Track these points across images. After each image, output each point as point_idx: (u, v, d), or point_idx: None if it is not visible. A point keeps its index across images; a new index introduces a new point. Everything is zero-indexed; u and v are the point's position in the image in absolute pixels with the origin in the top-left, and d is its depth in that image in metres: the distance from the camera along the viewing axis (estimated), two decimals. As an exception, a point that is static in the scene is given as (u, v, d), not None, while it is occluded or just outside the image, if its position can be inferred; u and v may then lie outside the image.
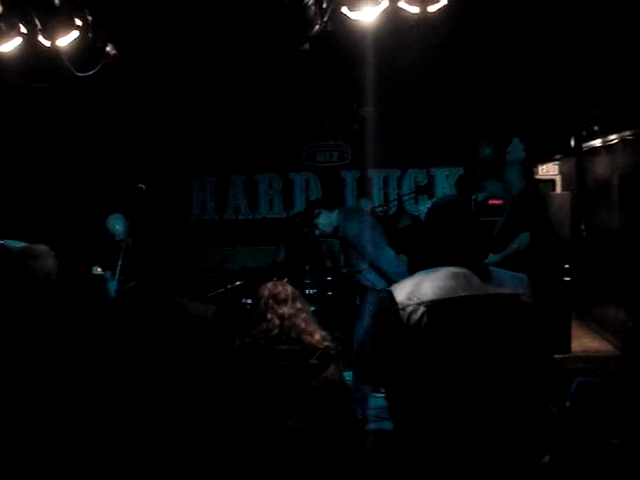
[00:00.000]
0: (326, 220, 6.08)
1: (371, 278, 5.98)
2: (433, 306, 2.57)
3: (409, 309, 2.57)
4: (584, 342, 7.87)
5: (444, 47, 6.17)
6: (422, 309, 2.56)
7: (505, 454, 2.59)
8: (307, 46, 5.40)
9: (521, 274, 2.85)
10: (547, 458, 3.17)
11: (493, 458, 2.58)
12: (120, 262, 5.77)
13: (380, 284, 5.87)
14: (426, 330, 2.56)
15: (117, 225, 6.71)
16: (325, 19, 5.05)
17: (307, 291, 6.76)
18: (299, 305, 3.23)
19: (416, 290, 2.61)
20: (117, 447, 3.27)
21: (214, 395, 3.18)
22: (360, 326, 5.91)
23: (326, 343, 3.14)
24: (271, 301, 3.20)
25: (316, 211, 6.16)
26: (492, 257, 6.01)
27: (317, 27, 5.11)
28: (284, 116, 8.50)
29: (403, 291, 2.63)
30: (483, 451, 2.57)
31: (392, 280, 5.72)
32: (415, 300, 2.58)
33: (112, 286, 5.92)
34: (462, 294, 2.61)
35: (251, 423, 3.01)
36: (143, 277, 3.56)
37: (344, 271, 6.57)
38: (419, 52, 6.09)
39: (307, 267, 7.17)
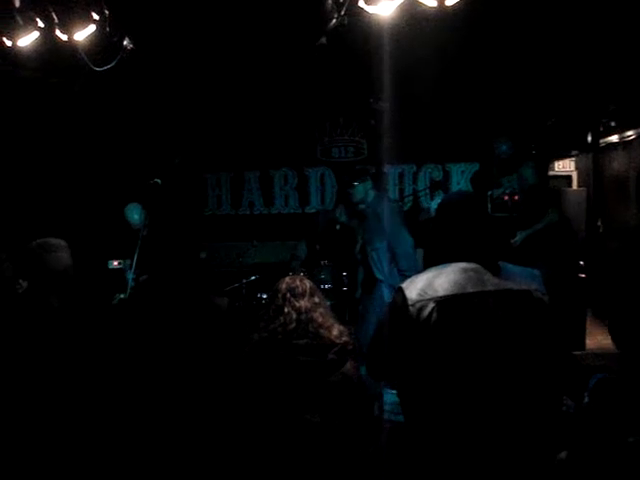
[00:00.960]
0: (361, 189, 6.20)
1: (383, 260, 6.03)
2: (443, 302, 2.56)
3: (418, 305, 2.56)
4: (599, 339, 7.82)
5: (461, 41, 6.14)
6: (432, 305, 2.56)
7: (516, 450, 2.58)
8: (324, 40, 5.40)
9: (533, 269, 2.83)
10: (564, 454, 3.15)
11: (504, 455, 2.57)
12: (137, 254, 5.79)
13: (387, 270, 5.97)
14: (435, 326, 2.55)
15: (135, 214, 6.76)
16: (342, 13, 5.04)
17: (323, 286, 6.77)
18: (317, 299, 3.23)
19: (426, 286, 2.60)
20: (128, 441, 3.29)
21: (230, 387, 3.18)
22: (365, 321, 6.00)
23: (344, 338, 3.13)
24: (288, 294, 3.20)
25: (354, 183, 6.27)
26: (521, 233, 6.17)
27: (334, 21, 5.10)
28: (300, 111, 8.50)
29: (413, 287, 2.62)
30: (493, 447, 2.56)
31: (402, 268, 5.89)
32: (425, 296, 2.57)
33: (130, 277, 5.95)
34: (472, 290, 2.59)
35: (268, 417, 3.01)
36: (158, 270, 3.59)
37: (358, 257, 6.55)
38: (436, 46, 6.06)
39: (323, 262, 7.18)
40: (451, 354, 2.56)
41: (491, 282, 2.63)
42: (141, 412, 3.34)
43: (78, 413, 3.36)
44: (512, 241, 6.35)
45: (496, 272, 2.67)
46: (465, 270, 2.64)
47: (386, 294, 5.91)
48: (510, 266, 2.80)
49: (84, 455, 3.33)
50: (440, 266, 2.69)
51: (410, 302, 2.57)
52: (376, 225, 6.11)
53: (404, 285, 2.67)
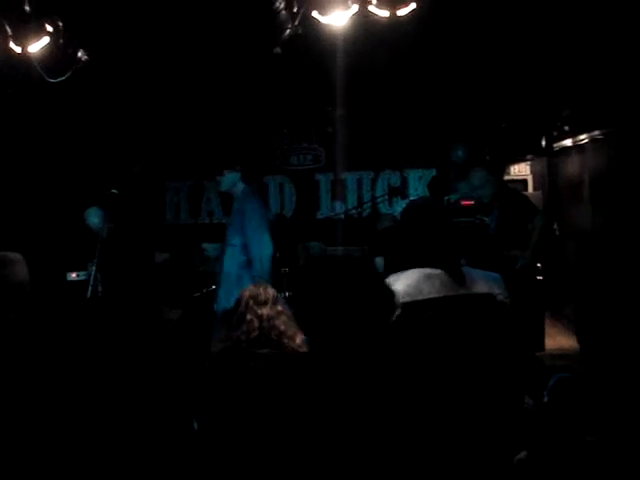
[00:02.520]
0: (230, 178, 5.87)
1: (235, 258, 5.64)
2: (407, 307, 2.59)
3: (406, 305, 2.59)
4: (558, 340, 7.93)
5: (415, 49, 6.20)
6: (397, 311, 2.58)
7: (480, 450, 2.62)
8: (279, 50, 5.40)
9: (495, 273, 2.88)
10: (524, 454, 3.20)
11: (469, 454, 2.60)
12: (96, 262, 5.74)
13: (235, 271, 5.56)
14: (401, 331, 2.58)
15: (95, 218, 6.69)
16: (296, 23, 5.06)
17: (283, 294, 6.74)
18: (280, 307, 3.24)
19: (409, 289, 2.63)
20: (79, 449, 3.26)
21: (190, 400, 3.17)
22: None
23: (306, 348, 3.15)
24: (251, 302, 3.20)
25: None
26: (521, 260, 6.12)
27: (288, 31, 5.12)
28: (257, 120, 8.49)
29: (401, 285, 2.64)
30: (459, 448, 2.60)
31: (255, 272, 5.39)
32: (407, 298, 2.60)
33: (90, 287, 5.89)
34: (436, 295, 2.63)
35: (234, 427, 3.01)
36: (117, 282, 3.57)
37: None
38: (390, 55, 6.11)
39: (284, 270, 7.16)
40: (414, 357, 2.58)
41: (455, 287, 2.67)
42: (89, 426, 3.31)
43: (30, 428, 3.33)
44: (517, 267, 6.23)
45: (460, 277, 2.71)
46: (429, 276, 2.67)
47: (222, 297, 5.51)
48: (473, 270, 2.84)
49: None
50: (404, 272, 2.72)
51: (396, 299, 2.60)
52: (237, 221, 5.74)
53: (388, 280, 2.69)
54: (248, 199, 5.79)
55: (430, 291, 2.63)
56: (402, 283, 2.66)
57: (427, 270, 2.69)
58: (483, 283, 2.75)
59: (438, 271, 2.69)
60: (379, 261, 7.19)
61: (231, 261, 5.65)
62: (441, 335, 2.61)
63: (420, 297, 2.61)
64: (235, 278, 5.53)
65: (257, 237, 5.58)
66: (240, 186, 5.85)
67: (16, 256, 3.65)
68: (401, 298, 2.61)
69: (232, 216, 5.89)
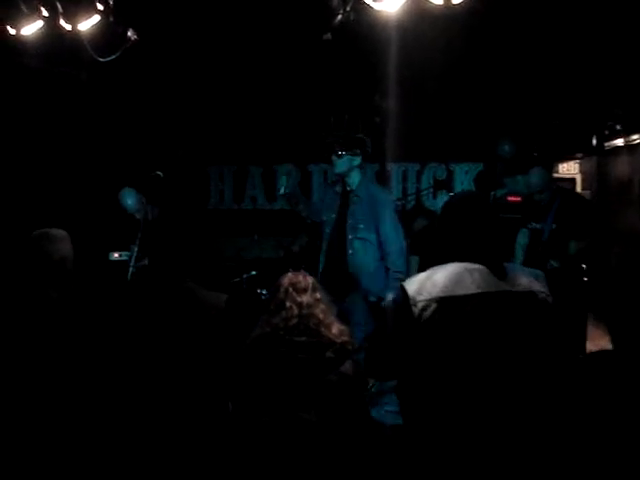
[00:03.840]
0: (346, 160, 5.77)
1: (369, 253, 5.57)
2: (445, 302, 2.54)
3: (421, 305, 2.53)
4: (600, 344, 7.78)
5: (467, 40, 6.11)
6: (434, 305, 2.53)
7: (517, 454, 2.56)
8: (329, 36, 5.36)
9: (537, 270, 2.82)
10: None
11: (505, 458, 2.54)
12: (138, 243, 5.78)
13: (373, 267, 5.53)
14: (437, 326, 2.53)
15: (129, 199, 6.77)
16: (348, 9, 5.02)
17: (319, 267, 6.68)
18: (319, 295, 3.22)
19: (428, 285, 2.57)
20: (124, 437, 3.27)
21: (227, 384, 3.17)
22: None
23: (344, 337, 3.12)
24: (291, 289, 3.20)
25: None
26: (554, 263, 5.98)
27: (339, 17, 5.08)
28: (304, 107, 8.46)
29: (415, 285, 2.59)
30: (494, 450, 2.54)
31: (398, 268, 5.42)
32: (426, 296, 2.55)
33: (131, 268, 5.94)
34: (475, 291, 2.57)
35: (265, 414, 3.00)
36: (159, 264, 3.57)
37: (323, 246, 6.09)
38: (442, 45, 6.04)
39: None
40: (453, 355, 2.53)
41: (495, 283, 2.61)
42: (137, 408, 3.32)
43: (75, 407, 3.34)
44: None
45: (501, 273, 2.65)
46: (469, 270, 2.61)
47: (360, 303, 5.46)
48: (514, 266, 2.79)
49: (82, 450, 3.32)
50: (443, 265, 2.67)
51: (412, 301, 2.54)
52: (365, 210, 5.59)
53: (405, 283, 2.64)
54: (374, 187, 5.84)
55: (469, 287, 2.57)
56: (441, 275, 2.60)
57: (466, 264, 2.63)
58: (524, 280, 2.68)
59: (478, 266, 2.62)
60: (413, 260, 7.13)
61: (363, 257, 5.57)
62: (480, 332, 2.55)
63: (458, 292, 2.56)
64: (374, 270, 5.50)
65: (395, 232, 5.56)
66: (357, 174, 5.77)
67: (60, 232, 3.67)
68: (438, 293, 2.55)
69: (353, 206, 5.71)
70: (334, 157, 5.79)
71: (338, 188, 5.95)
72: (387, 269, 5.53)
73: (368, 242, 5.59)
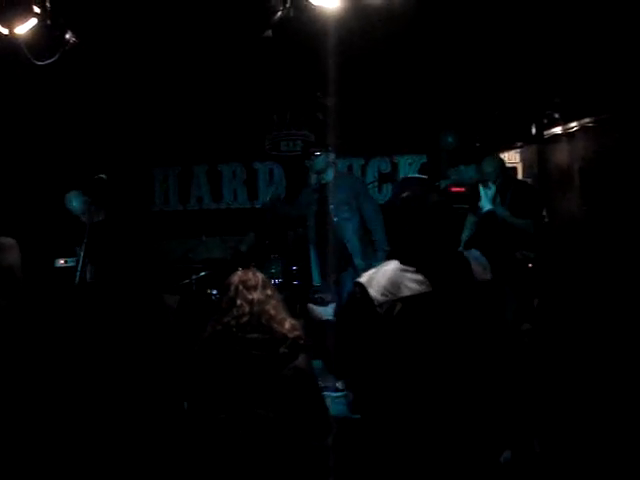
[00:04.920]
0: (323, 158, 6.19)
1: (353, 235, 6.03)
2: (409, 301, 2.58)
3: (386, 306, 2.57)
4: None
5: (407, 35, 6.17)
6: (399, 305, 2.57)
7: (467, 446, 2.61)
8: (269, 33, 5.36)
9: (484, 258, 2.87)
10: (508, 454, 3.19)
11: (456, 448, 2.60)
12: (83, 249, 5.71)
13: (359, 246, 5.96)
14: (404, 324, 2.56)
15: (74, 202, 6.68)
16: (288, 5, 5.02)
17: (273, 280, 6.74)
18: (269, 292, 3.23)
19: (390, 285, 2.60)
20: (68, 441, 3.25)
21: (181, 383, 3.16)
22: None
23: (296, 332, 3.13)
24: (241, 287, 3.20)
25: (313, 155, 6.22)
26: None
27: (279, 13, 5.08)
28: (247, 105, 8.45)
29: (376, 286, 2.62)
30: (449, 439, 2.59)
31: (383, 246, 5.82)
32: (391, 297, 2.58)
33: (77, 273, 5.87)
34: (435, 288, 2.62)
35: (221, 411, 2.99)
36: (107, 269, 3.55)
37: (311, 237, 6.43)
38: (382, 39, 6.08)
39: (273, 256, 7.15)
40: (418, 350, 2.57)
41: (451, 278, 2.66)
42: (89, 412, 3.29)
43: (18, 413, 3.30)
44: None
45: (458, 266, 2.70)
46: (427, 267, 2.65)
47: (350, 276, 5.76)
48: (471, 255, 2.83)
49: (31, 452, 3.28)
50: (392, 262, 2.70)
51: (376, 303, 2.57)
52: (345, 195, 6.07)
53: (364, 282, 2.66)
54: (348, 176, 6.52)
55: (429, 284, 2.62)
56: (399, 275, 2.64)
57: (424, 262, 2.68)
58: (480, 269, 2.75)
59: (436, 262, 2.67)
60: None
61: (353, 234, 6.02)
62: (440, 327, 2.60)
63: (419, 291, 2.60)
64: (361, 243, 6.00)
65: (377, 215, 6.01)
66: (331, 171, 6.21)
67: (7, 241, 3.62)
68: (402, 293, 2.59)
69: (334, 194, 6.11)
70: (311, 158, 6.26)
71: (314, 182, 6.48)
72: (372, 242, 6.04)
73: (352, 221, 6.05)
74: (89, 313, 3.47)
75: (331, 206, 6.09)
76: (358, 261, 5.93)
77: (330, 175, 6.19)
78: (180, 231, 8.81)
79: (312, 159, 6.22)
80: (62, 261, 6.68)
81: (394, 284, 2.60)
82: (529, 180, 9.64)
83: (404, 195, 2.95)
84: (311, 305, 5.77)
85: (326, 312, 5.72)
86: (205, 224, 8.69)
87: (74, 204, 6.67)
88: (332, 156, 6.21)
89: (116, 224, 6.34)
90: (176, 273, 7.26)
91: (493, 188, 4.24)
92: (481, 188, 5.62)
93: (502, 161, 6.67)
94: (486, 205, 6.01)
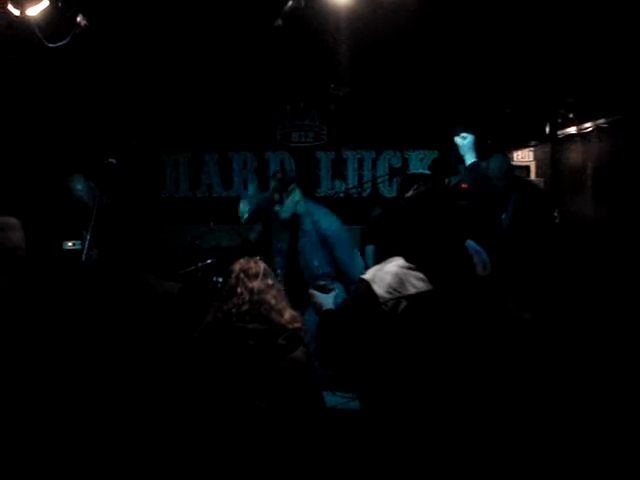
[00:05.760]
0: (290, 204, 5.75)
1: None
2: (414, 299, 2.57)
3: (390, 303, 2.57)
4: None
5: (421, 28, 6.14)
6: (404, 302, 2.57)
7: (469, 443, 2.62)
8: (280, 22, 5.34)
9: (485, 254, 2.87)
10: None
11: (458, 445, 2.60)
12: (90, 232, 5.72)
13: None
14: (409, 322, 2.56)
15: (78, 184, 6.71)
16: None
17: (277, 270, 6.72)
18: (270, 282, 3.23)
19: (396, 283, 2.60)
20: (69, 428, 3.26)
21: (178, 371, 3.16)
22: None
23: (296, 324, 3.13)
24: (242, 275, 3.20)
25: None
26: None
27: (291, 3, 5.06)
28: (260, 95, 8.44)
29: (381, 283, 2.62)
30: (449, 437, 2.59)
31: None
32: (396, 294, 2.58)
33: (83, 256, 5.89)
34: (440, 285, 2.62)
35: (217, 401, 2.99)
36: (111, 254, 3.55)
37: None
38: (395, 32, 6.05)
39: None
40: (422, 347, 2.57)
41: (455, 275, 2.66)
42: (88, 397, 3.30)
43: (25, 395, 3.31)
44: None
45: (461, 262, 2.70)
46: (431, 266, 2.65)
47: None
48: (470, 249, 2.83)
49: (28, 438, 3.28)
50: (396, 259, 2.70)
51: (382, 300, 2.57)
52: (315, 245, 5.64)
53: (369, 278, 2.66)
54: (321, 215, 5.71)
55: (433, 282, 2.62)
56: (403, 272, 2.65)
57: (429, 259, 2.67)
58: (480, 265, 2.75)
59: (441, 259, 2.67)
60: (369, 249, 7.18)
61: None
62: (444, 324, 2.60)
63: (425, 288, 2.60)
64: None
65: (352, 260, 5.60)
66: (302, 204, 5.75)
67: (11, 221, 3.62)
68: (407, 291, 2.59)
69: (304, 242, 5.72)
70: (276, 206, 5.81)
71: (285, 218, 5.89)
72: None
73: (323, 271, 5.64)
74: (89, 294, 3.47)
75: (301, 256, 5.77)
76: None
77: (301, 214, 5.77)
78: (189, 218, 8.82)
79: (277, 206, 5.82)
80: (70, 243, 6.71)
81: (399, 282, 2.60)
82: (540, 180, 9.62)
83: (408, 195, 2.93)
84: (313, 291, 5.60)
85: (327, 301, 5.57)
86: (214, 212, 8.69)
87: (78, 187, 6.70)
88: (298, 194, 5.77)
89: (123, 210, 6.36)
90: (183, 260, 7.27)
91: (469, 137, 4.00)
92: (456, 139, 5.14)
93: (509, 160, 6.55)
94: (467, 155, 5.37)
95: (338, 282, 5.56)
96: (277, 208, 5.80)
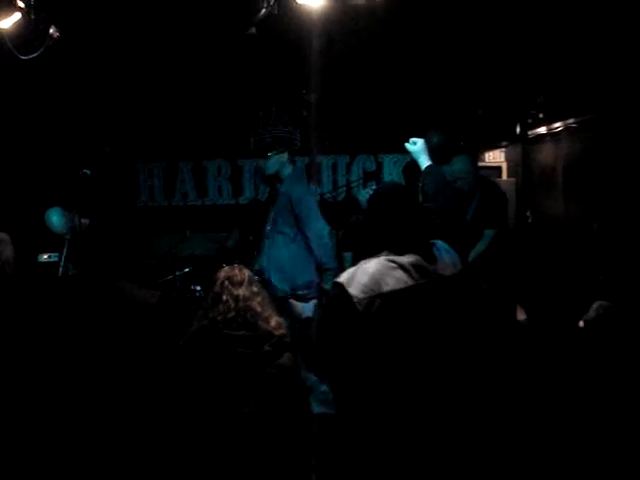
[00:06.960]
0: (275, 160, 5.71)
1: (287, 246, 5.60)
2: (388, 297, 2.59)
3: (364, 302, 2.58)
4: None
5: (392, 33, 6.18)
6: (378, 301, 2.58)
7: (449, 443, 2.64)
8: (253, 30, 5.35)
9: (454, 252, 2.90)
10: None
11: (438, 445, 2.62)
12: (65, 250, 5.68)
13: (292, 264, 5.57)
14: (383, 321, 2.57)
15: (54, 218, 6.58)
16: (272, 2, 5.02)
17: (257, 277, 6.72)
18: (255, 289, 3.24)
19: (370, 282, 2.62)
20: (60, 431, 3.25)
21: (163, 379, 3.16)
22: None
23: (282, 330, 3.14)
24: (227, 282, 3.21)
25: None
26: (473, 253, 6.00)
27: (264, 11, 5.07)
28: (232, 102, 8.44)
29: (355, 283, 2.63)
30: (430, 440, 2.61)
31: (319, 259, 5.46)
32: (370, 293, 2.59)
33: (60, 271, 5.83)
34: (412, 283, 2.63)
35: (204, 409, 3.00)
36: (89, 263, 3.54)
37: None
38: (367, 37, 6.09)
39: (256, 253, 7.14)
40: (399, 347, 2.59)
41: (425, 273, 2.68)
42: (67, 407, 3.29)
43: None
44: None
45: (432, 261, 2.73)
46: (399, 264, 2.67)
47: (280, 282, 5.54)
48: (441, 249, 2.86)
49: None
50: (372, 259, 2.71)
51: (356, 299, 2.58)
52: (285, 206, 5.62)
53: (343, 281, 2.67)
54: (295, 183, 5.69)
55: (407, 280, 2.64)
56: (377, 271, 2.66)
57: (396, 257, 2.69)
58: (450, 263, 2.79)
59: (408, 257, 2.69)
60: (347, 256, 7.20)
61: (282, 250, 5.59)
62: (419, 322, 2.62)
63: (398, 286, 2.62)
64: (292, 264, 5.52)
65: (313, 224, 5.52)
66: (288, 169, 5.74)
67: (2, 235, 3.62)
68: (381, 289, 2.60)
69: (278, 200, 5.71)
70: (263, 160, 5.79)
71: (270, 174, 5.89)
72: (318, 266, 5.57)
73: (286, 236, 5.63)
74: (67, 306, 3.46)
75: (271, 215, 5.77)
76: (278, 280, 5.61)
77: (287, 170, 5.75)
78: (164, 227, 8.79)
79: (263, 162, 5.80)
80: (46, 256, 6.65)
81: (374, 280, 2.62)
82: (512, 181, 9.71)
83: (372, 194, 3.03)
84: (292, 301, 5.61)
85: (307, 309, 5.58)
86: (190, 220, 8.68)
87: (54, 220, 6.56)
88: (285, 156, 5.76)
89: (99, 220, 6.31)
90: (160, 269, 7.24)
91: (419, 142, 3.99)
92: (406, 145, 5.10)
93: (473, 161, 6.60)
94: (420, 159, 5.32)
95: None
96: (262, 164, 5.81)
